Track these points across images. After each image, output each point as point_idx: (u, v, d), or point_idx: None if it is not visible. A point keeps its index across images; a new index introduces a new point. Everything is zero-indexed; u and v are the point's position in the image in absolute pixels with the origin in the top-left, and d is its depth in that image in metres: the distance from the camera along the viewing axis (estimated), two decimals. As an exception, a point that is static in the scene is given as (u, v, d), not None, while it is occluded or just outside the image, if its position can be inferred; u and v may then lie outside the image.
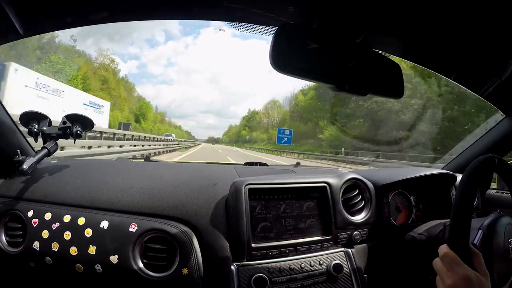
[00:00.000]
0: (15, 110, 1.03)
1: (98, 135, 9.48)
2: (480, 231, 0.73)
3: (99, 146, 8.72)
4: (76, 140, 0.94)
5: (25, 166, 0.83)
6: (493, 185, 1.32)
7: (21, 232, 0.86)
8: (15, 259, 0.85)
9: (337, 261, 0.82)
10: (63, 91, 16.16)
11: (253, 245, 0.76)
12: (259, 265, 0.76)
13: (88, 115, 0.97)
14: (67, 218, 0.82)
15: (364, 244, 0.92)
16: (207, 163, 1.45)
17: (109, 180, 0.92)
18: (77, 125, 0.94)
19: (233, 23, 0.69)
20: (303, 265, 0.79)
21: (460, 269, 0.55)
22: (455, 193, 0.77)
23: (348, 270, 0.84)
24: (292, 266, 0.78)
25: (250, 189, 0.80)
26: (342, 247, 0.88)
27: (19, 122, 0.94)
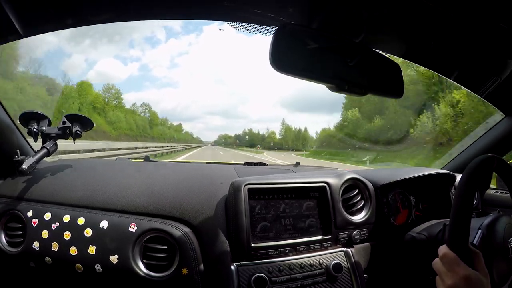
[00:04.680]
0: None
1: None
2: (480, 231, 0.73)
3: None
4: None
5: (24, 166, 0.83)
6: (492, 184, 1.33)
7: (21, 232, 0.85)
8: (15, 259, 0.85)
9: (336, 261, 0.82)
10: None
11: (252, 245, 0.76)
12: (259, 265, 0.76)
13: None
14: (66, 218, 0.82)
15: (364, 244, 0.93)
16: (207, 162, 1.45)
17: (109, 180, 0.92)
18: (77, 125, 0.94)
19: (233, 23, 0.69)
20: (302, 265, 0.79)
21: (460, 269, 0.55)
22: (455, 192, 0.77)
23: (347, 270, 0.84)
24: (291, 266, 0.78)
25: (249, 189, 0.80)
26: (341, 247, 0.88)
27: (18, 122, 0.94)
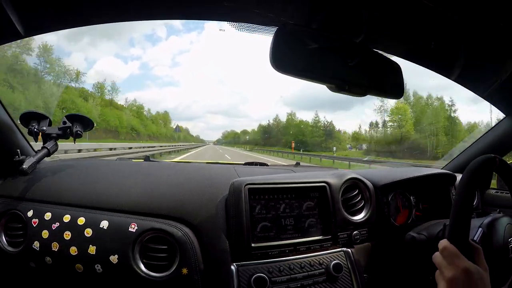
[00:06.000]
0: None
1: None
2: (480, 228, 0.73)
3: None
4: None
5: (25, 166, 0.83)
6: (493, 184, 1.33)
7: (21, 232, 0.86)
8: (15, 259, 0.85)
9: (337, 261, 0.82)
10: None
11: (253, 245, 0.76)
12: (259, 265, 0.76)
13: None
14: (67, 218, 0.82)
15: (364, 244, 0.92)
16: (207, 162, 1.45)
17: (109, 180, 0.92)
18: (77, 125, 0.95)
19: (233, 23, 0.69)
20: (303, 265, 0.79)
21: (460, 262, 0.55)
22: (455, 192, 0.77)
23: (348, 270, 0.84)
24: (292, 266, 0.78)
25: (249, 189, 0.80)
26: (342, 247, 0.88)
27: (19, 122, 0.94)
